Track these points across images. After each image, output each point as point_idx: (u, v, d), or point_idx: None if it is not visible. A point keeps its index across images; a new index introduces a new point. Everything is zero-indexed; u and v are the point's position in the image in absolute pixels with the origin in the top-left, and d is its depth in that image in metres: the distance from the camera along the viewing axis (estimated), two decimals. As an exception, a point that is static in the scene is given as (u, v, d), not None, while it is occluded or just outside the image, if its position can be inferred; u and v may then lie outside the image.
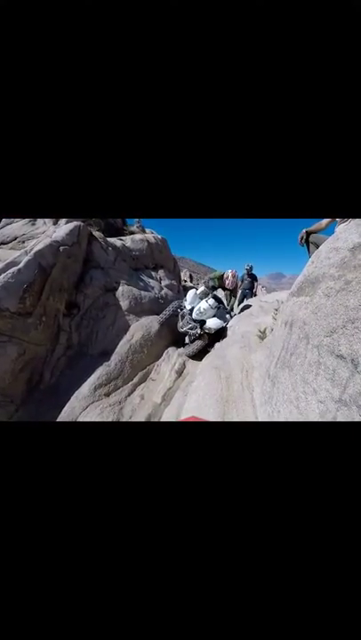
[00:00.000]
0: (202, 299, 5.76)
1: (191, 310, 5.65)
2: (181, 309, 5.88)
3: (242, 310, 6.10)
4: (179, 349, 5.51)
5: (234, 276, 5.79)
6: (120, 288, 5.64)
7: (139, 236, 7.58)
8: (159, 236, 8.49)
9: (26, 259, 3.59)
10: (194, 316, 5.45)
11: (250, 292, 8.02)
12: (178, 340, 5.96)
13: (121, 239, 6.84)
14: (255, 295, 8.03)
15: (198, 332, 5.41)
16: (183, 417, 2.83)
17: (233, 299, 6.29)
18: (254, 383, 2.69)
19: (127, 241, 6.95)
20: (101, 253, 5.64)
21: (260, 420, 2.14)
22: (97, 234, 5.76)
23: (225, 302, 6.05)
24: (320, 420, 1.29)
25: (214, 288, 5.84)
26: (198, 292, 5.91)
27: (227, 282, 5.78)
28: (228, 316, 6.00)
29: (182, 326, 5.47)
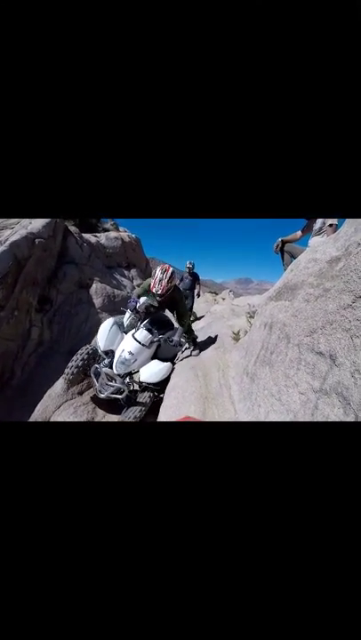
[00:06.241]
0: (127, 332, 3.47)
1: (111, 356, 3.41)
2: (93, 358, 3.58)
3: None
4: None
5: (165, 272, 3.07)
6: (94, 285, 5.56)
7: (113, 233, 7.52)
8: (133, 235, 8.48)
9: (0, 249, 3.42)
10: (115, 368, 3.26)
11: (191, 292, 6.70)
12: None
13: (95, 236, 6.74)
14: (198, 296, 7.15)
15: (127, 394, 3.25)
16: (161, 414, 2.90)
17: (179, 313, 3.48)
18: (231, 381, 2.85)
19: (102, 238, 6.87)
20: (76, 249, 5.52)
21: (238, 415, 2.30)
22: (72, 228, 5.63)
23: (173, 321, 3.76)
24: (306, 419, 1.46)
25: (150, 308, 3.38)
26: (126, 318, 3.60)
27: (152, 286, 3.08)
28: (179, 346, 3.57)
29: (101, 390, 3.27)
